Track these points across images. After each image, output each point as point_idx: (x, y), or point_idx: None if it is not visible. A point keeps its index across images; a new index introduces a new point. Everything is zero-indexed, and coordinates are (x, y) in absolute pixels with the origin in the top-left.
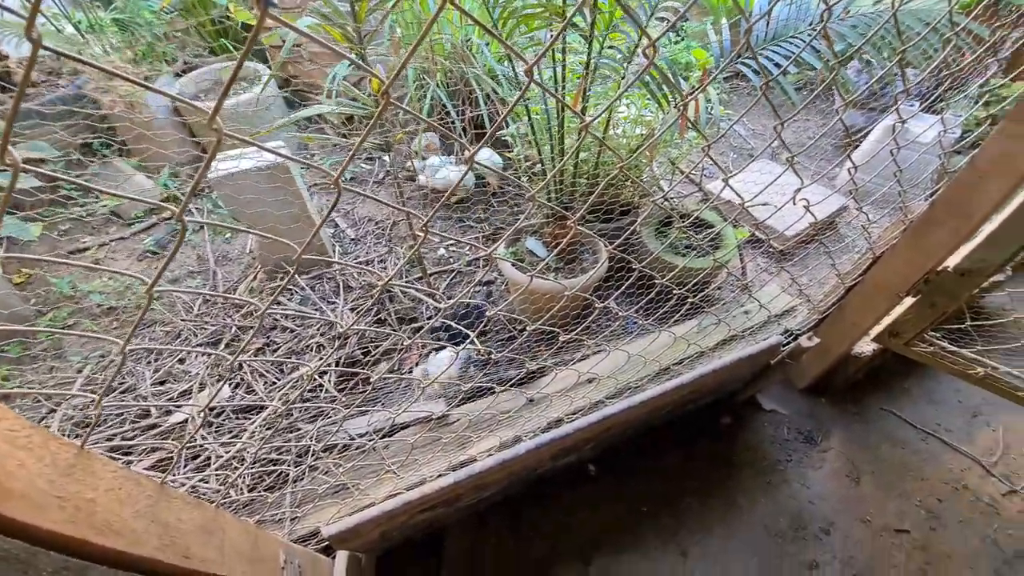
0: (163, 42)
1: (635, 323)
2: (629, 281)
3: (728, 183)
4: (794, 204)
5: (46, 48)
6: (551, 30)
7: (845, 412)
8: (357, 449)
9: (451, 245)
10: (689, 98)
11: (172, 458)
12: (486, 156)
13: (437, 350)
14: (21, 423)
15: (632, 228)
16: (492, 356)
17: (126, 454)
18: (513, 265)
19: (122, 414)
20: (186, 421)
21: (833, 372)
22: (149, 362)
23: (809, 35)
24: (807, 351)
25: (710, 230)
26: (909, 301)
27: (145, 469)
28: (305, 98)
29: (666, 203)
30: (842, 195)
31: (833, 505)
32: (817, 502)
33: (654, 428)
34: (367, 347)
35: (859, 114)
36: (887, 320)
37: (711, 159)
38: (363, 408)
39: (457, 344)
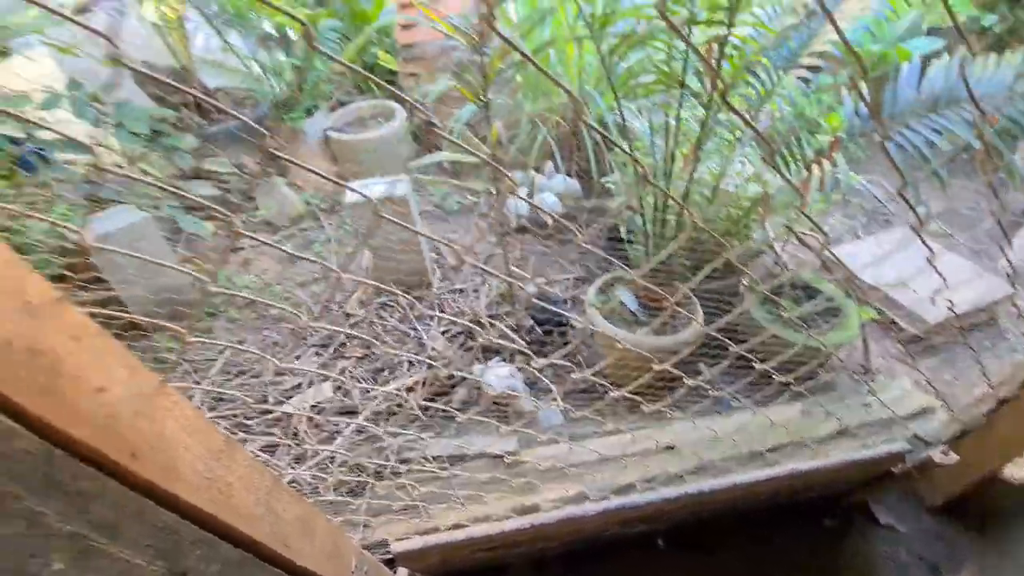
0: (324, 82)
1: (730, 399)
2: (724, 360)
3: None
4: (933, 304)
5: (63, 135)
6: (668, 96)
7: (986, 546)
8: (429, 473)
9: (544, 283)
10: (807, 176)
11: (278, 445)
12: (561, 185)
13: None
14: (192, 411)
15: (735, 307)
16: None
17: (245, 431)
18: (604, 316)
19: (246, 396)
20: (291, 415)
21: (974, 494)
22: (274, 354)
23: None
24: (940, 467)
25: (829, 304)
26: None
27: (258, 450)
28: (430, 137)
29: (777, 268)
30: (1007, 282)
31: None
32: None
33: (739, 512)
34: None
35: None
36: None
37: (830, 252)
38: (440, 434)
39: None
